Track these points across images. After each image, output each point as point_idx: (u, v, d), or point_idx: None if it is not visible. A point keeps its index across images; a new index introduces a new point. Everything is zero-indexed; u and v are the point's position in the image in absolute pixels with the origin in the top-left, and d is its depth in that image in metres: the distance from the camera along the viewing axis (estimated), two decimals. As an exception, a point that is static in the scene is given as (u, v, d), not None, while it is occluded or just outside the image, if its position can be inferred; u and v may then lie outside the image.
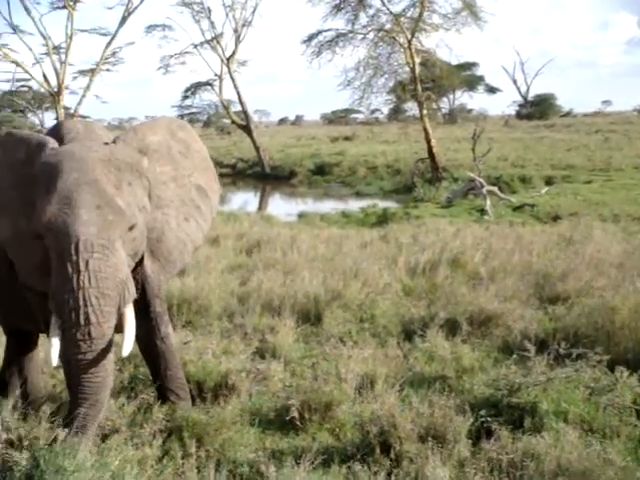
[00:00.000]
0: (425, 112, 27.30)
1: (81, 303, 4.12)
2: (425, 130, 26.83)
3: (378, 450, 4.68)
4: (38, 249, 4.38)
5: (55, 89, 35.02)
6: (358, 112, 64.55)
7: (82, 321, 4.13)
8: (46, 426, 4.60)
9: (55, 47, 35.60)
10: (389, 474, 4.39)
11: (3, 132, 5.46)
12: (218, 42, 36.83)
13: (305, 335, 7.49)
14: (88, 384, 4.28)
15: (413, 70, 26.97)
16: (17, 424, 4.75)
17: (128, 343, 4.41)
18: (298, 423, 5.28)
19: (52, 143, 4.57)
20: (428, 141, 26.70)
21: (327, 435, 5.24)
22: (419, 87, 27.15)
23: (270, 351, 6.80)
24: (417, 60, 26.97)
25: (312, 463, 4.40)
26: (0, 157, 4.87)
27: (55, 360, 4.26)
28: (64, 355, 4.29)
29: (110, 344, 4.30)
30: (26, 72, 35.66)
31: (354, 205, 22.99)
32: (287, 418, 5.32)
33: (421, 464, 4.40)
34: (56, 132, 4.81)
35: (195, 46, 38.01)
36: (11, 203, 4.64)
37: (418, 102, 27.63)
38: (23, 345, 5.74)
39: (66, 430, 4.24)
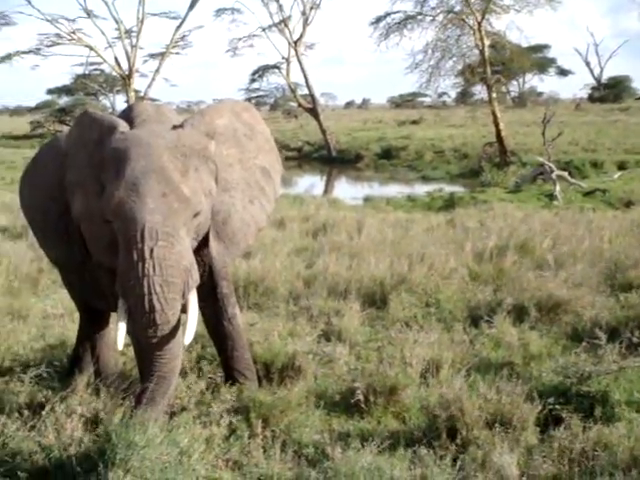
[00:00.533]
0: (494, 95, 26.88)
1: (145, 290, 4.19)
2: (493, 114, 26.41)
3: (444, 435, 4.66)
4: (107, 230, 4.47)
5: (126, 72, 35.74)
6: (425, 96, 63.60)
7: (147, 308, 4.20)
8: (118, 402, 4.72)
9: (127, 31, 36.33)
10: (455, 459, 4.36)
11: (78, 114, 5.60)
12: (286, 25, 36.91)
13: (370, 319, 7.48)
14: (156, 362, 4.38)
15: (482, 53, 26.53)
16: (90, 399, 4.89)
17: (190, 331, 4.46)
18: (363, 406, 5.28)
19: (122, 126, 4.62)
20: (496, 125, 26.28)
21: (392, 419, 5.23)
22: (488, 70, 26.70)
23: (336, 334, 6.82)
24: (487, 42, 26.51)
25: (378, 446, 4.41)
26: (76, 135, 5.00)
27: (121, 344, 4.38)
28: (132, 332, 4.39)
29: (177, 325, 4.36)
30: (99, 56, 36.51)
31: (420, 189, 22.82)
32: (352, 401, 5.32)
33: (488, 450, 4.36)
34: (127, 115, 4.88)
35: (263, 29, 38.21)
36: (85, 181, 4.73)
37: (487, 85, 27.19)
38: (96, 323, 5.88)
39: (136, 405, 4.34)
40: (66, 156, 5.00)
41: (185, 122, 4.73)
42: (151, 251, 4.20)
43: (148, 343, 4.31)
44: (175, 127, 4.65)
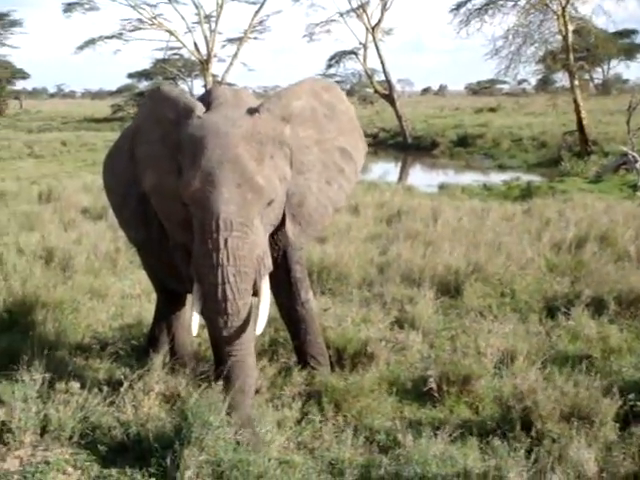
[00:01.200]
0: (576, 83, 26.15)
1: (219, 280, 4.28)
2: (575, 102, 25.73)
3: (519, 427, 4.59)
4: (180, 208, 4.55)
5: (204, 57, 36.26)
6: (504, 83, 62.67)
7: (219, 297, 4.29)
8: (193, 382, 4.80)
9: (206, 16, 36.81)
10: (529, 452, 4.29)
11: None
12: (364, 10, 36.70)
13: (444, 307, 7.43)
14: (228, 349, 4.44)
15: (566, 38, 25.84)
16: (167, 378, 4.99)
17: (262, 319, 4.50)
18: (435, 395, 5.26)
19: (199, 109, 4.62)
20: (578, 113, 25.60)
21: (465, 408, 5.20)
22: (571, 56, 25.99)
23: (409, 321, 6.79)
24: (570, 28, 25.80)
25: (450, 435, 4.37)
26: (149, 110, 5.07)
27: (195, 330, 4.48)
28: (205, 313, 4.46)
29: (249, 313, 4.42)
30: (178, 41, 37.15)
31: (496, 178, 22.45)
32: (424, 389, 5.31)
33: (564, 444, 4.27)
34: (206, 98, 4.88)
35: (341, 14, 38.14)
36: (158, 157, 4.81)
37: (569, 72, 26.48)
38: (172, 304, 5.99)
39: (212, 386, 4.41)
40: (136, 130, 5.10)
41: (261, 106, 4.68)
42: (225, 241, 4.28)
43: (220, 330, 4.38)
44: (251, 111, 4.64)
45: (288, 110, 4.80)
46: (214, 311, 4.35)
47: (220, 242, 4.28)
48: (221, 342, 4.48)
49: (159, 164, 4.79)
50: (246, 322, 4.41)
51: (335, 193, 5.13)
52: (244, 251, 4.33)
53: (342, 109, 5.28)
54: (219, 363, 4.62)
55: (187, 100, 4.77)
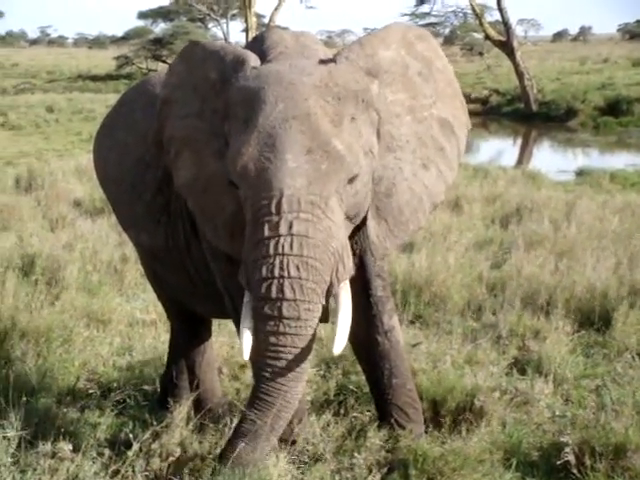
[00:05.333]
0: None
1: (276, 272, 4.18)
2: None
3: None
4: (229, 201, 4.56)
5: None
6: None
7: (273, 294, 4.18)
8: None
9: None
10: None
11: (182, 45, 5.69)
12: None
13: (586, 345, 7.40)
14: (267, 383, 4.30)
15: None
16: (191, 439, 5.01)
17: (342, 336, 4.40)
18: (574, 471, 5.20)
19: (254, 60, 4.65)
20: None
21: (619, 491, 5.14)
22: None
23: (534, 364, 6.78)
24: None
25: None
26: (183, 75, 5.07)
27: (247, 352, 4.31)
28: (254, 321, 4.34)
29: (310, 336, 4.32)
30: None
31: (664, 161, 22.18)
32: (558, 462, 5.26)
33: None
34: (258, 46, 4.90)
35: None
36: (196, 135, 4.82)
37: None
38: (195, 335, 6.05)
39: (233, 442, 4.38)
40: (165, 104, 5.14)
41: (338, 55, 4.68)
42: (290, 226, 4.19)
43: (266, 339, 4.24)
44: (324, 62, 4.64)
45: (375, 62, 4.75)
46: (263, 314, 4.22)
47: (281, 226, 4.20)
48: (264, 357, 4.29)
49: (197, 145, 4.79)
50: (306, 340, 4.27)
51: (433, 181, 5.04)
52: (315, 240, 4.23)
53: (439, 67, 5.21)
54: (249, 407, 4.46)
55: (235, 50, 4.79)
